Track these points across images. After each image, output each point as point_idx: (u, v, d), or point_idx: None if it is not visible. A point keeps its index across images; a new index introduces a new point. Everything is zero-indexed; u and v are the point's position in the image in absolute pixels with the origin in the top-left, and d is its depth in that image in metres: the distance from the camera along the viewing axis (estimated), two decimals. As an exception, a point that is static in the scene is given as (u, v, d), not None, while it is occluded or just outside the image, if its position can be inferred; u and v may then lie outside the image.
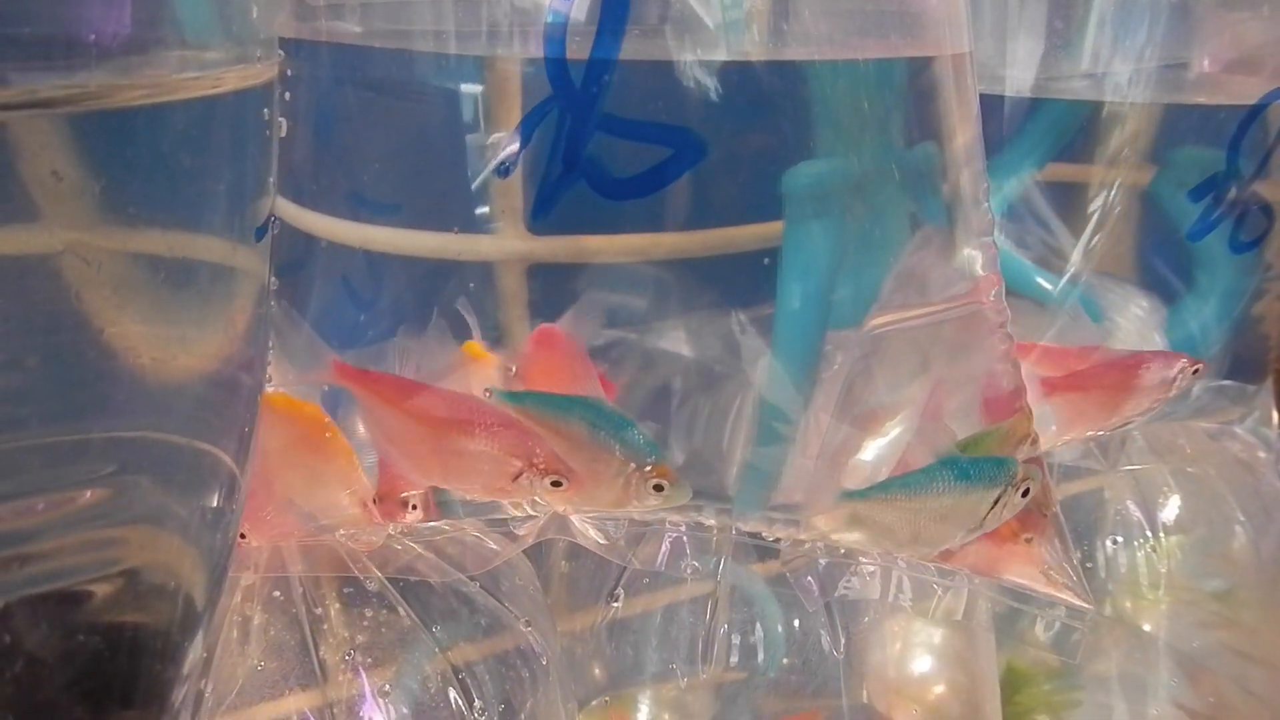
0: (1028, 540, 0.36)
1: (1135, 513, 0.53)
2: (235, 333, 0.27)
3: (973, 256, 0.33)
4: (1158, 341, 0.50)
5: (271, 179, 0.29)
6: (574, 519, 0.38)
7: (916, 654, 0.54)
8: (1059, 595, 0.36)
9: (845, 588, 0.38)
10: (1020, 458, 0.34)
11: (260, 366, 0.30)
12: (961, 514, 0.35)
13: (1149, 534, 0.52)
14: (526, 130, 0.27)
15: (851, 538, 0.38)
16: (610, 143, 0.28)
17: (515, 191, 0.31)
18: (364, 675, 0.36)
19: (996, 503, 0.35)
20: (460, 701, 0.37)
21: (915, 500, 0.35)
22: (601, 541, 0.38)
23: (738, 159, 0.30)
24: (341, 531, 0.37)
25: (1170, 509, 0.53)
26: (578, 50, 0.27)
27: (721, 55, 0.28)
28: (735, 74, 0.28)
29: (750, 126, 0.29)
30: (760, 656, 0.47)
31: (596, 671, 0.47)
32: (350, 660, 0.36)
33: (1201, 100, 0.41)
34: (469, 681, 0.37)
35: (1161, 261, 0.47)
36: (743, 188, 0.31)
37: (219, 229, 0.26)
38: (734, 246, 0.32)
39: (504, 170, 0.28)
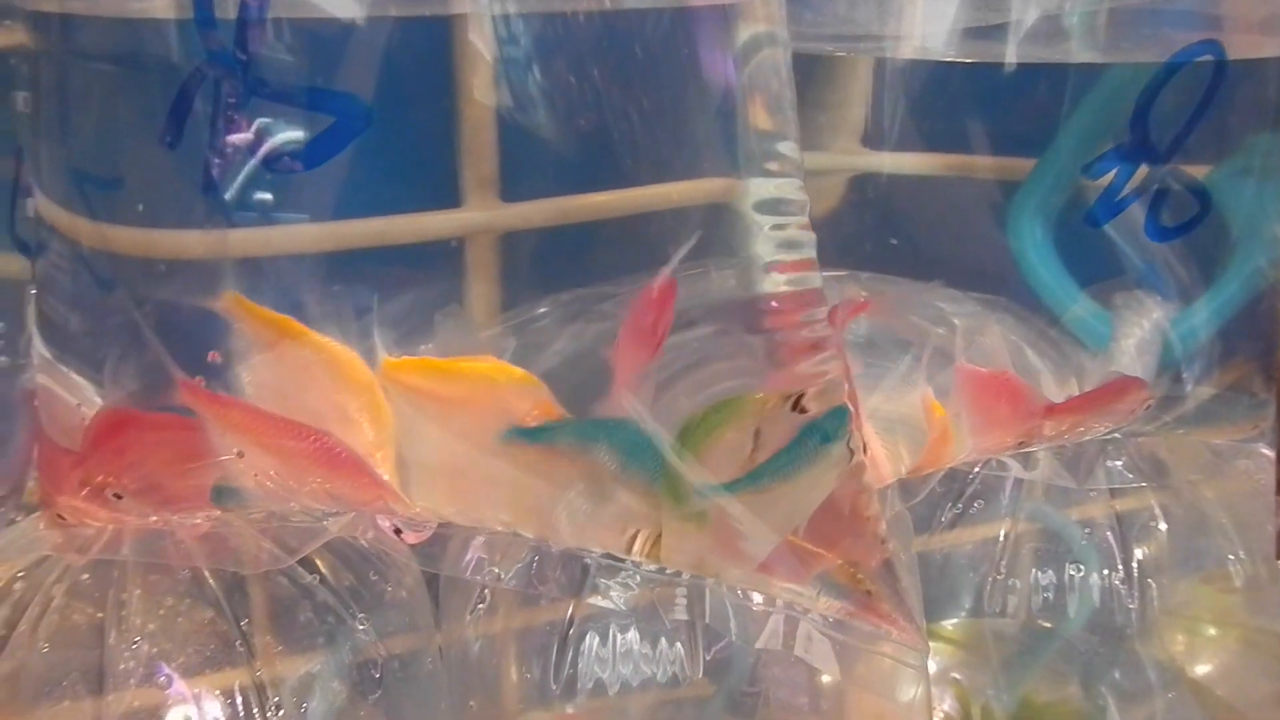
0: (866, 592, 0.32)
1: (1109, 540, 0.46)
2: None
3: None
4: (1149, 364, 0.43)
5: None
6: (378, 518, 0.36)
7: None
8: (885, 627, 0.31)
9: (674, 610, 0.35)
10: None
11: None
12: (827, 478, 0.31)
13: (1120, 565, 0.45)
14: (185, 97, 0.25)
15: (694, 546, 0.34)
16: (273, 110, 0.25)
17: (486, 158, 0.29)
18: (149, 662, 0.35)
19: (853, 454, 0.31)
20: (247, 702, 0.35)
21: (789, 481, 0.31)
22: (402, 543, 0.35)
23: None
24: (154, 516, 0.37)
25: (1149, 538, 0.46)
26: (229, 9, 0.24)
27: (399, 10, 0.25)
28: (410, 30, 0.25)
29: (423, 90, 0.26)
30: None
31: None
32: (136, 648, 0.35)
33: (1102, 57, 0.34)
34: (268, 684, 0.36)
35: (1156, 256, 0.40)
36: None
37: None
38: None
39: (169, 142, 0.26)
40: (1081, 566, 0.47)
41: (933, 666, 0.56)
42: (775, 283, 0.29)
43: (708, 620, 0.34)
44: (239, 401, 0.31)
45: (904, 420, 0.42)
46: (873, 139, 0.42)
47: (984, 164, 0.40)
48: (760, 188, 0.29)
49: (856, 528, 0.30)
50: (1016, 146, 0.40)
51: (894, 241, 0.44)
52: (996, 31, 0.38)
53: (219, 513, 0.37)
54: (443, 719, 0.43)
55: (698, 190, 0.30)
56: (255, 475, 0.32)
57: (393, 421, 0.30)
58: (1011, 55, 0.37)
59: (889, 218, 0.43)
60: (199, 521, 0.38)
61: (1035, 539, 0.51)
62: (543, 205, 0.30)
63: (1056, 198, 0.39)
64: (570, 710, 0.43)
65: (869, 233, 0.44)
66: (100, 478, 0.31)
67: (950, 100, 0.40)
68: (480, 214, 0.30)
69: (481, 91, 0.26)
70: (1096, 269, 0.41)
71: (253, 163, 0.26)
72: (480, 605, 0.43)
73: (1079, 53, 0.37)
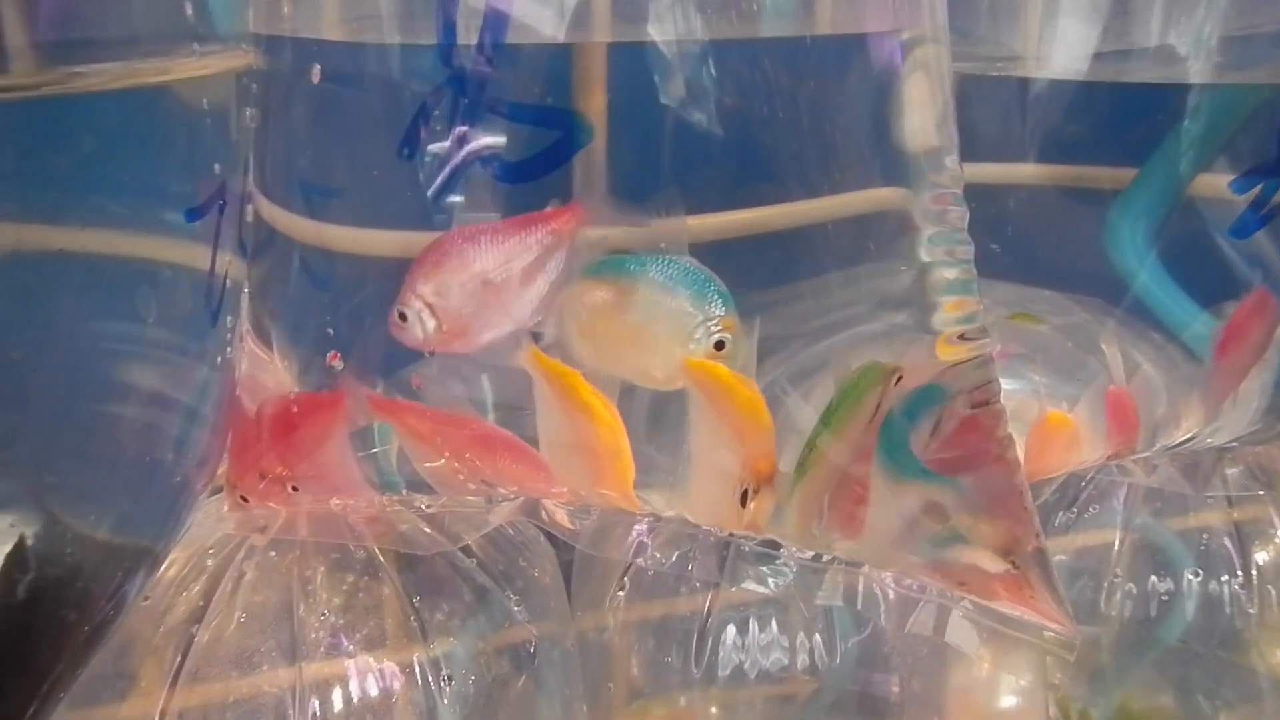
0: (1013, 564, 0.34)
1: (1227, 546, 0.47)
2: (158, 324, 0.29)
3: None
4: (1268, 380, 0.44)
5: (216, 164, 0.31)
6: (545, 503, 0.38)
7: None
8: (1042, 621, 0.33)
9: (821, 595, 0.37)
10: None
11: (205, 358, 0.32)
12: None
13: (1239, 572, 0.46)
14: (424, 114, 0.28)
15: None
16: (504, 126, 0.28)
17: (598, 172, 0.31)
18: (334, 634, 0.38)
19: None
20: (424, 674, 0.38)
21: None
22: (569, 527, 0.38)
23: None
24: (335, 501, 0.40)
25: (1268, 545, 0.47)
26: (468, 34, 0.27)
27: (624, 36, 0.28)
28: (632, 54, 0.28)
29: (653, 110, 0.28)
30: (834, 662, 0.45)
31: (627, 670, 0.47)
32: (323, 620, 0.38)
33: (1216, 78, 0.35)
34: (441, 658, 0.39)
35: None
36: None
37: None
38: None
39: (407, 154, 0.29)
40: (1200, 571, 0.48)
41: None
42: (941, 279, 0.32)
43: (859, 607, 0.36)
44: (414, 405, 0.34)
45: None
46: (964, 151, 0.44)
47: (1089, 174, 0.42)
48: (926, 198, 0.32)
49: (1017, 511, 0.32)
50: (1121, 158, 0.41)
51: (995, 248, 0.45)
52: (1116, 52, 0.39)
53: (388, 499, 0.40)
54: (581, 698, 0.45)
55: (864, 200, 0.32)
56: (448, 455, 0.34)
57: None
58: (1130, 75, 0.39)
59: (989, 225, 0.45)
60: (369, 505, 0.40)
61: (1148, 547, 0.52)
62: (712, 219, 0.32)
63: (1161, 209, 0.40)
64: (702, 695, 0.45)
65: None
66: (277, 470, 0.34)
67: (1052, 113, 0.42)
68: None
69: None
70: (1215, 286, 0.42)
71: (478, 173, 0.29)
72: (620, 593, 0.46)
73: (1196, 73, 0.38)
